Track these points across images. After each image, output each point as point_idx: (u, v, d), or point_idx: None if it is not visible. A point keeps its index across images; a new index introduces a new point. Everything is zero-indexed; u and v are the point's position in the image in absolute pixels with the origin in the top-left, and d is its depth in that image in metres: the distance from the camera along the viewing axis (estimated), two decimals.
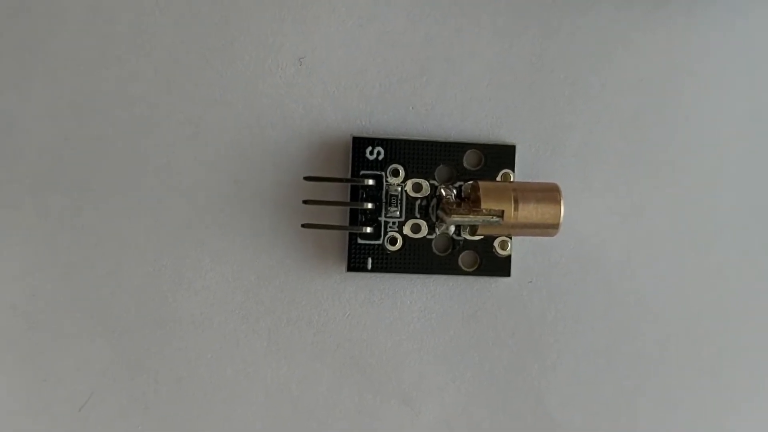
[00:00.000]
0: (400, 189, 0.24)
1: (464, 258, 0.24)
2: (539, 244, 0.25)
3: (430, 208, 0.24)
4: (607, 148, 0.25)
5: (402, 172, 0.24)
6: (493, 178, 0.24)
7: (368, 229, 0.24)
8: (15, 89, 0.24)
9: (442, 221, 0.24)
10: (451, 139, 0.25)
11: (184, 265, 0.24)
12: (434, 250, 0.24)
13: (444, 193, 0.24)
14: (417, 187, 0.24)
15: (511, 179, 0.24)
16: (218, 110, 0.24)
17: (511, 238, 0.24)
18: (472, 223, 0.23)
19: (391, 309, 0.25)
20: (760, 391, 0.26)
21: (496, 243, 0.24)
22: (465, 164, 0.24)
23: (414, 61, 0.25)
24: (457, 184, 0.24)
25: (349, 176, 0.24)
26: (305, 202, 0.24)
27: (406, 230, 0.24)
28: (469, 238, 0.24)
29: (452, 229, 0.24)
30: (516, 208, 0.23)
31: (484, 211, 0.23)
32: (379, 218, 0.24)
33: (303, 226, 0.24)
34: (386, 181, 0.24)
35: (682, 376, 0.25)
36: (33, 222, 0.24)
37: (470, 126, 0.25)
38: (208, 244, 0.24)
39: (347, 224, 0.24)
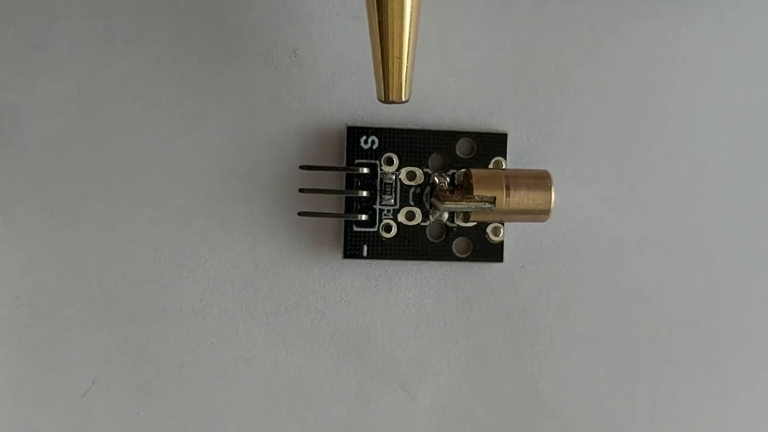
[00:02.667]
0: (394, 177, 0.24)
1: (458, 244, 0.25)
2: (531, 230, 0.25)
3: (423, 196, 0.25)
4: (598, 136, 0.26)
5: (396, 161, 0.24)
6: (486, 166, 0.25)
7: (363, 217, 0.24)
8: (18, 85, 0.24)
9: (436, 208, 0.24)
10: (444, 128, 0.25)
11: (183, 254, 0.25)
12: (428, 237, 0.25)
13: (437, 180, 0.24)
14: (411, 175, 0.25)
15: (503, 167, 0.25)
16: (215, 101, 0.25)
17: (503, 224, 0.25)
18: (465, 210, 0.23)
19: (386, 295, 0.25)
20: (752, 374, 0.26)
21: (488, 229, 0.25)
22: (458, 152, 0.25)
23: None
24: (450, 171, 0.25)
25: (344, 165, 0.24)
26: (301, 190, 0.24)
27: (401, 218, 0.24)
28: (462, 224, 0.25)
29: (446, 216, 0.25)
30: (508, 195, 0.23)
31: (476, 197, 0.23)
32: (374, 206, 0.24)
33: (299, 214, 0.24)
34: (381, 170, 0.24)
35: (674, 359, 0.26)
36: (36, 214, 0.24)
37: (463, 115, 0.25)
38: (207, 234, 0.25)
39: (343, 212, 0.24)
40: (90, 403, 0.24)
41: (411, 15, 0.21)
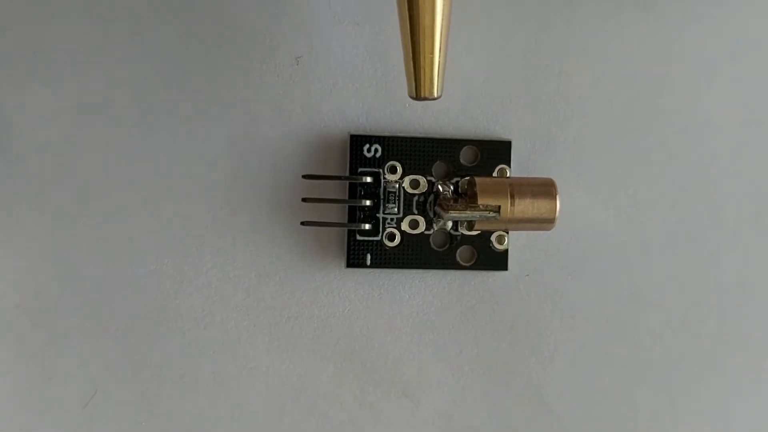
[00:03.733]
0: (397, 186, 0.24)
1: (462, 253, 0.25)
2: (536, 239, 0.25)
3: (427, 204, 0.24)
4: (602, 142, 0.25)
5: (399, 169, 0.24)
6: (490, 174, 0.25)
7: (367, 226, 0.24)
8: (16, 89, 0.24)
9: (440, 217, 0.24)
10: (448, 136, 0.25)
11: (185, 263, 0.24)
12: (432, 246, 0.25)
13: (441, 189, 0.24)
14: (414, 184, 0.24)
15: (508, 174, 0.25)
16: (217, 109, 0.24)
17: (507, 232, 0.25)
18: (469, 219, 0.23)
19: (390, 304, 0.25)
20: (756, 379, 0.26)
21: (493, 238, 0.25)
22: (461, 160, 0.25)
23: None
24: (454, 180, 0.25)
25: (347, 174, 0.24)
26: (304, 200, 0.24)
27: (404, 226, 0.24)
28: (466, 233, 0.25)
29: (450, 224, 0.24)
30: (512, 203, 0.23)
31: (481, 206, 0.23)
32: (378, 215, 0.24)
33: (302, 223, 0.24)
34: (384, 178, 0.24)
35: (679, 367, 0.26)
36: (35, 221, 0.24)
37: (466, 122, 0.25)
38: (209, 242, 0.24)
39: (346, 221, 0.24)
40: (92, 413, 0.24)
41: (443, 8, 0.20)
